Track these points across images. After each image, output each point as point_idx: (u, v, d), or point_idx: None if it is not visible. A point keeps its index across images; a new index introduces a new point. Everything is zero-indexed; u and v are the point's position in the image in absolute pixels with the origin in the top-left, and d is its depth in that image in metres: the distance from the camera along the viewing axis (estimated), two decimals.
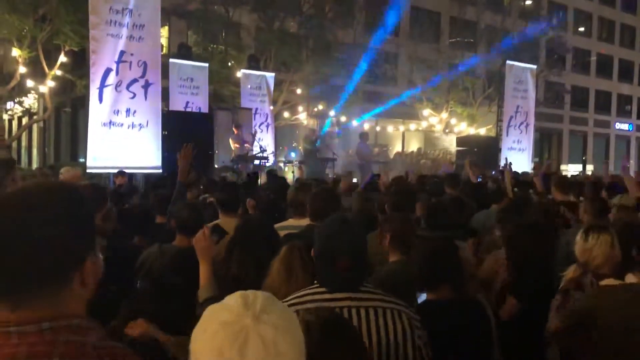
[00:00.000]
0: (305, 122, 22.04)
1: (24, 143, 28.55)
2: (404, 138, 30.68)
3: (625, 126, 44.57)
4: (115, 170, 10.08)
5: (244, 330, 1.09)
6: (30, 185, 1.26)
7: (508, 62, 18.76)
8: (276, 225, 4.08)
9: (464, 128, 26.24)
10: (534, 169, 13.19)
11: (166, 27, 21.68)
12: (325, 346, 1.54)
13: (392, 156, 21.83)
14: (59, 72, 16.84)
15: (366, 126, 26.47)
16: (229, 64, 20.56)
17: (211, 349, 1.10)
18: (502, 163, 15.67)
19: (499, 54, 23.89)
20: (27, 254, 1.11)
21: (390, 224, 3.30)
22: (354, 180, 10.69)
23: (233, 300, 1.16)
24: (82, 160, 18.27)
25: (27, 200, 1.15)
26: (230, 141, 14.20)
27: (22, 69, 16.28)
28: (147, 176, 11.10)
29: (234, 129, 14.46)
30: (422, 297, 2.60)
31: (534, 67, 19.84)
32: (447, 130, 26.65)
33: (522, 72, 18.77)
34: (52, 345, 1.09)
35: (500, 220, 4.21)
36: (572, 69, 37.89)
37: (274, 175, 10.16)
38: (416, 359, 2.05)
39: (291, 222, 4.40)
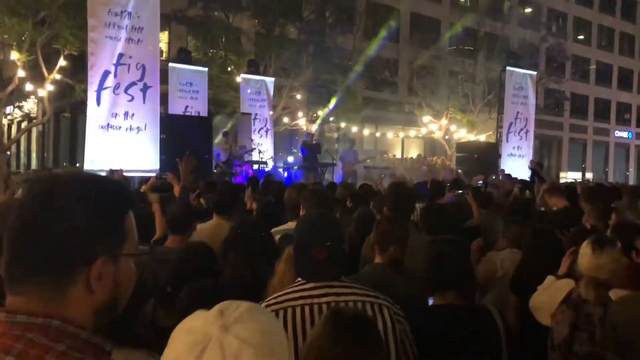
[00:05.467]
0: (304, 128, 21.97)
1: (22, 147, 28.46)
2: (403, 144, 30.63)
3: (624, 134, 44.55)
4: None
5: (206, 339, 0.99)
6: (61, 174, 1.13)
7: (508, 68, 18.71)
8: (276, 229, 3.97)
9: (464, 135, 26.18)
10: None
11: (166, 32, 21.61)
12: (354, 343, 1.60)
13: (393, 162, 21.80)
14: (58, 76, 16.72)
15: (366, 132, 26.45)
16: (229, 69, 20.49)
17: (171, 356, 1.00)
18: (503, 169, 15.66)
19: (499, 60, 23.86)
20: (34, 241, 1.00)
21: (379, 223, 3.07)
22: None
23: (214, 308, 1.06)
24: (79, 165, 18.20)
25: (54, 187, 1.05)
26: (220, 147, 14.21)
27: (21, 73, 16.14)
28: (144, 180, 11.01)
29: (222, 136, 14.51)
30: (429, 302, 2.49)
31: (534, 73, 19.81)
32: (446, 137, 26.58)
33: (522, 78, 18.72)
34: (16, 340, 0.96)
35: (506, 223, 4.09)
36: (572, 76, 37.89)
37: (271, 180, 10.04)
38: (399, 351, 2.04)
39: (290, 225, 4.29)
